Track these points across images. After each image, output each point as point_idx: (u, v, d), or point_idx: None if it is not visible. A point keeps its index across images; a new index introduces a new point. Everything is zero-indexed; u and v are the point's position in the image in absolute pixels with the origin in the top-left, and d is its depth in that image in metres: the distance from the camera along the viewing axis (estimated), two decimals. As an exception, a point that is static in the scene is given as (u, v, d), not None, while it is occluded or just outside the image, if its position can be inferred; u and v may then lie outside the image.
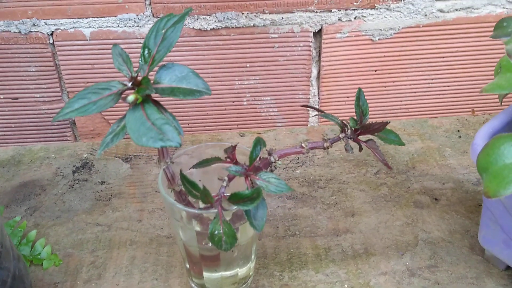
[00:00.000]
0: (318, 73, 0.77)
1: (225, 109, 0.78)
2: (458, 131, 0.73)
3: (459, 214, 0.61)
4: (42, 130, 0.78)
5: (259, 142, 0.43)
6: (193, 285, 0.54)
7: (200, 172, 0.50)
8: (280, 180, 0.42)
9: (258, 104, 0.78)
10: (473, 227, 0.59)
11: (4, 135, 0.78)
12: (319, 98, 0.79)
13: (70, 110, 0.37)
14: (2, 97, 0.75)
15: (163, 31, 0.38)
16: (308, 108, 0.79)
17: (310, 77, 0.77)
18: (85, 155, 0.70)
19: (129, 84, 0.37)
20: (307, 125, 0.80)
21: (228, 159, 0.44)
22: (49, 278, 0.54)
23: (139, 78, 0.37)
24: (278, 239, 0.58)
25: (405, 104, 0.80)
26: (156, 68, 0.38)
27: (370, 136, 0.45)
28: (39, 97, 0.75)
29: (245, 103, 0.78)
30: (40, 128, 0.78)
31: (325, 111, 0.80)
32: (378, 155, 0.43)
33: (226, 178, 0.43)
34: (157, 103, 0.37)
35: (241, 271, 0.52)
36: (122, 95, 0.37)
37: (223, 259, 0.50)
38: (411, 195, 0.63)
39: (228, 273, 0.52)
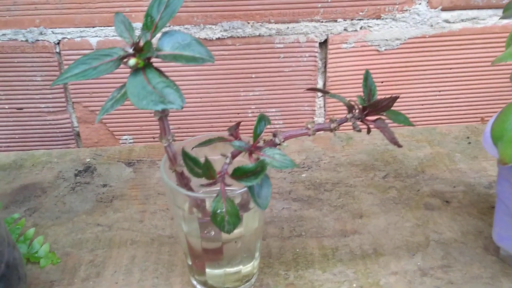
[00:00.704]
0: (324, 84, 0.76)
1: (230, 121, 0.78)
2: (468, 137, 0.72)
3: (472, 216, 0.59)
4: (46, 141, 0.77)
5: (263, 118, 0.42)
6: (195, 282, 0.51)
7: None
8: (285, 156, 0.40)
9: (264, 115, 0.78)
10: (487, 228, 0.57)
11: (8, 146, 0.77)
12: (325, 110, 0.78)
13: (70, 74, 0.36)
14: (7, 107, 0.75)
15: (167, -1, 0.37)
16: (314, 113, 0.78)
17: (316, 88, 0.76)
18: (88, 160, 0.69)
19: (131, 50, 0.37)
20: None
21: (231, 137, 0.43)
22: (45, 277, 0.52)
23: (141, 45, 0.37)
24: (283, 239, 0.56)
25: (413, 117, 0.79)
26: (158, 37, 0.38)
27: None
28: (44, 107, 0.75)
29: (250, 115, 0.78)
30: (44, 139, 0.77)
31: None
32: (387, 133, 0.42)
33: (229, 155, 0.42)
34: (158, 70, 0.37)
35: (245, 269, 0.50)
36: (124, 60, 0.36)
37: (226, 251, 0.48)
38: (421, 198, 0.61)
39: (231, 269, 0.50)
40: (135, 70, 0.36)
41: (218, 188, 0.41)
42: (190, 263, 0.51)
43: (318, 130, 0.44)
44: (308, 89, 0.48)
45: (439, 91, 0.78)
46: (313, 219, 0.59)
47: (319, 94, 0.77)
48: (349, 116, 0.43)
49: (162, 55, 0.37)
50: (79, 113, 0.76)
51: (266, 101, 0.77)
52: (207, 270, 0.49)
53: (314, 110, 0.78)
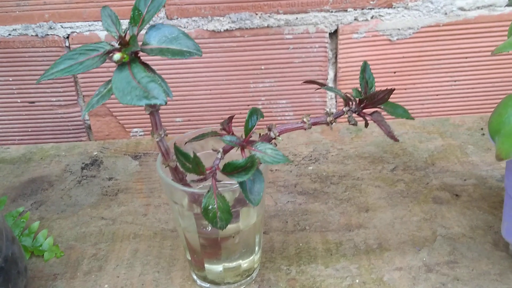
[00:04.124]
0: (335, 75, 0.75)
1: (240, 113, 0.77)
2: (482, 128, 0.70)
3: (482, 210, 0.57)
4: (58, 134, 0.78)
5: (255, 112, 0.41)
6: (195, 277, 0.51)
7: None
8: (277, 151, 0.40)
9: (274, 107, 0.77)
10: (497, 223, 0.55)
11: (21, 139, 0.78)
12: (336, 101, 0.77)
13: (56, 70, 0.36)
14: (19, 101, 0.76)
15: (153, -8, 0.37)
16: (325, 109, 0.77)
17: (326, 80, 0.75)
18: (95, 153, 0.69)
19: (117, 45, 0.36)
20: (324, 128, 0.77)
21: (224, 132, 0.42)
22: (49, 270, 0.53)
23: (127, 39, 0.36)
24: (287, 233, 0.55)
25: (427, 107, 0.77)
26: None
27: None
28: (55, 101, 0.76)
29: (260, 106, 0.77)
30: (56, 132, 0.78)
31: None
32: (383, 127, 0.41)
33: (221, 150, 0.41)
34: (145, 64, 0.36)
35: (244, 263, 0.50)
36: (110, 54, 0.36)
37: (224, 247, 0.48)
38: (429, 191, 0.60)
39: (230, 264, 0.49)
40: (121, 64, 0.36)
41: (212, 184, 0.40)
42: (190, 258, 0.50)
43: (314, 124, 0.43)
44: (305, 82, 0.46)
45: (454, 81, 0.76)
46: (318, 213, 0.58)
47: (330, 85, 0.76)
48: (345, 109, 0.42)
49: (148, 49, 0.36)
50: (89, 107, 0.76)
51: (276, 93, 0.76)
52: (206, 265, 0.49)
53: (325, 101, 0.76)
